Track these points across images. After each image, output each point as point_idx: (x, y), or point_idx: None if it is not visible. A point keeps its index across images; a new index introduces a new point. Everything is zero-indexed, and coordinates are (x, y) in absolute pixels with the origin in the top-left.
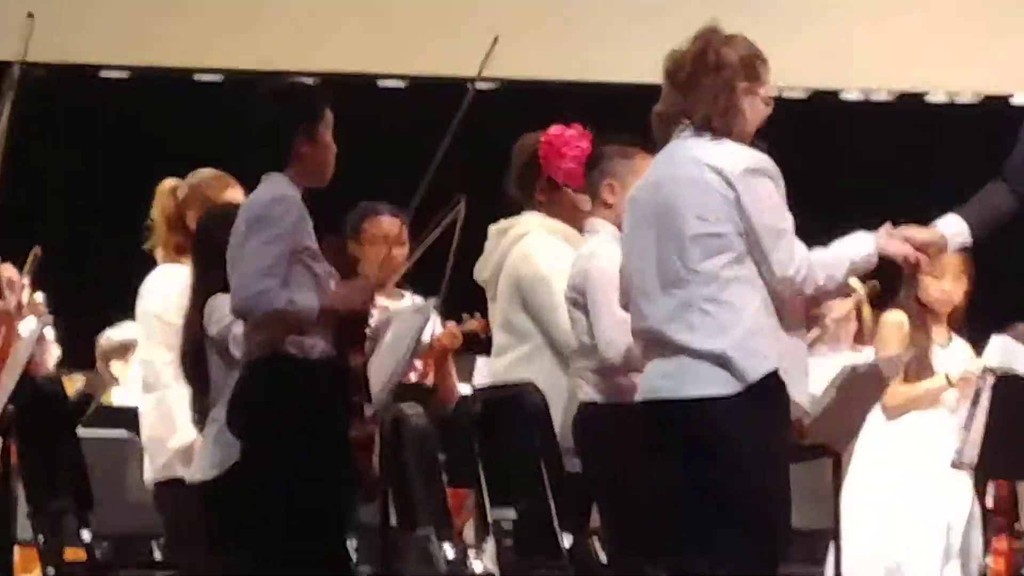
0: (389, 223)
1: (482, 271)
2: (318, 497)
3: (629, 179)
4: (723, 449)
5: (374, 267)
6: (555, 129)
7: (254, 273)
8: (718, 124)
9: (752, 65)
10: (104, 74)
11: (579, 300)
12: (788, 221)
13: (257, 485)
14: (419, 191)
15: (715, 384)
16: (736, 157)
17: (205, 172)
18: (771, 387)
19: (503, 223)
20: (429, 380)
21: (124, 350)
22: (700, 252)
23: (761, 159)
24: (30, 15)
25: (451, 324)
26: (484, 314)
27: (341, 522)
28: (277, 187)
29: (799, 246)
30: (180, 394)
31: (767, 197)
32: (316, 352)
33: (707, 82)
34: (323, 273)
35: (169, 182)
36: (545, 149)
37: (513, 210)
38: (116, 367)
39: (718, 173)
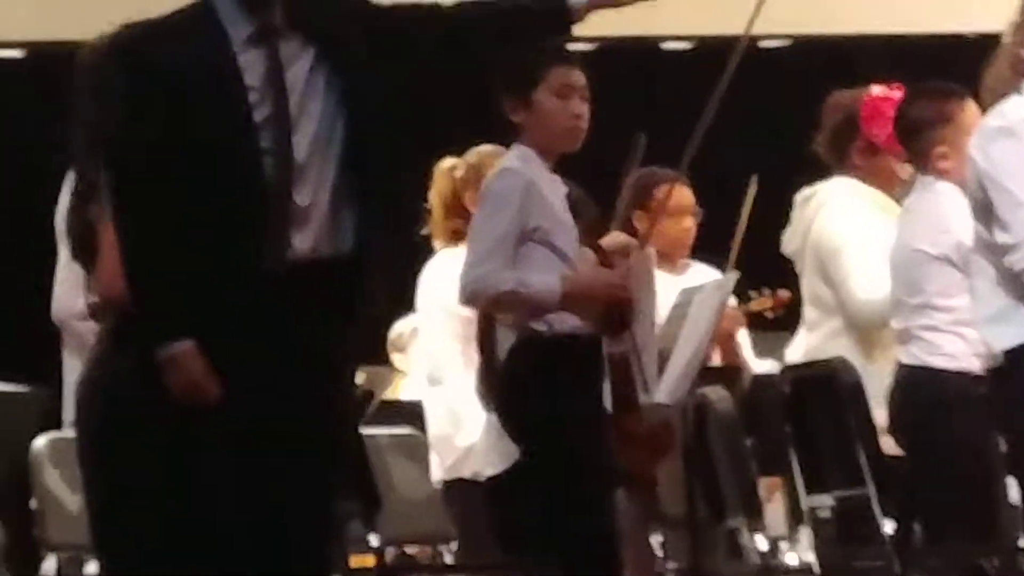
0: (686, 193)
1: (789, 243)
2: (588, 490)
3: (962, 138)
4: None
5: (667, 240)
6: (878, 89)
7: (475, 255)
8: None
9: None
10: None
11: None
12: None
13: (531, 479)
14: (686, 154)
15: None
16: (1004, 112)
17: (483, 149)
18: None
19: (807, 191)
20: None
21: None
22: (975, 214)
23: (1014, 116)
24: None
25: (732, 307)
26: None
27: (608, 516)
28: (508, 158)
29: None
30: (468, 389)
31: (1001, 158)
32: (566, 327)
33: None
34: (568, 253)
35: (447, 162)
36: (868, 110)
37: (805, 176)
38: (396, 359)
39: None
